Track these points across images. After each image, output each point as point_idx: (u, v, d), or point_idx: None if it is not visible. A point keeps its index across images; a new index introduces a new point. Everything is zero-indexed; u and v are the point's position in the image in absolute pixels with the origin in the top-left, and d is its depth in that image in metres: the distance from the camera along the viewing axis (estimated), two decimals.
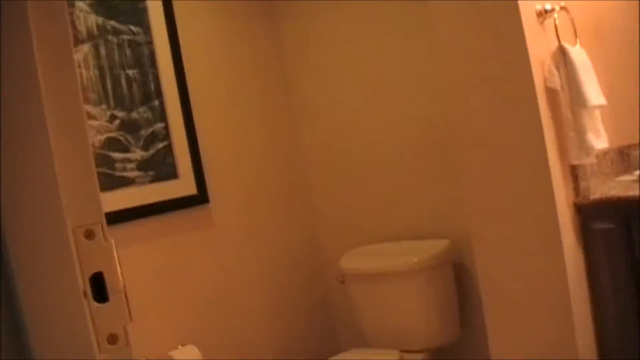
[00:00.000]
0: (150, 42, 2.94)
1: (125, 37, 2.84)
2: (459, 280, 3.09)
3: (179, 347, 2.77)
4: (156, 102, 2.93)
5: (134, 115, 2.84)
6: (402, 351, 2.97)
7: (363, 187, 3.44)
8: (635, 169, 2.65)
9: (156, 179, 2.88)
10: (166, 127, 2.96)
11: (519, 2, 2.17)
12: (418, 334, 2.98)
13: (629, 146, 2.79)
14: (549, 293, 2.24)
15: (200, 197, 3.05)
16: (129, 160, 2.79)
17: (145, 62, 2.92)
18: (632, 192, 2.25)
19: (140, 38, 2.90)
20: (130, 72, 2.85)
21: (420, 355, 2.98)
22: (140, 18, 2.91)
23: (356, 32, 3.34)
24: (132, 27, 2.87)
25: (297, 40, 3.58)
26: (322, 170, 3.60)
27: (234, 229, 3.22)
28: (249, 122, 3.41)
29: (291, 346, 3.41)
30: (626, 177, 2.64)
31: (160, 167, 2.91)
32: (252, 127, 3.42)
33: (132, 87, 2.85)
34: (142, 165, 2.84)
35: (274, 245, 3.43)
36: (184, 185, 3.00)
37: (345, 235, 3.53)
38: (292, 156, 3.62)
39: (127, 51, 2.85)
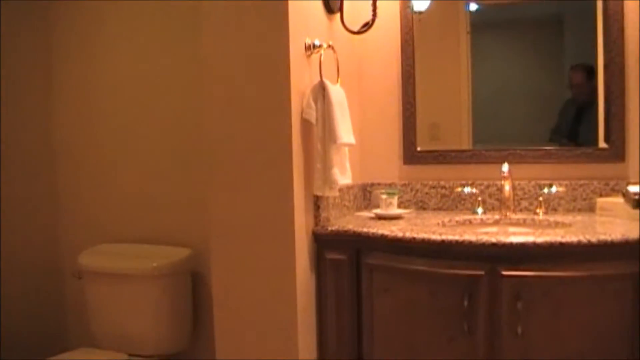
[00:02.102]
0: None
1: None
2: (195, 290, 3.11)
3: None
4: None
5: None
6: (131, 355, 2.95)
7: (113, 185, 3.38)
8: (375, 207, 2.83)
9: None
10: None
11: (291, 32, 2.25)
12: (148, 339, 2.97)
13: (372, 185, 2.99)
14: (279, 312, 2.32)
15: None
16: None
17: None
18: (367, 228, 2.40)
19: None
20: None
21: None
22: None
23: (128, 27, 3.31)
24: None
25: (68, 23, 3.47)
26: (72, 161, 3.49)
27: None
28: (1, 101, 3.23)
29: (17, 339, 3.26)
30: (365, 213, 2.81)
31: None
32: (4, 106, 3.24)
33: None
34: None
35: (11, 230, 3.27)
36: None
37: (87, 230, 3.45)
38: (42, 141, 3.48)
39: None
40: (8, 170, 3.26)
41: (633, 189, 2.15)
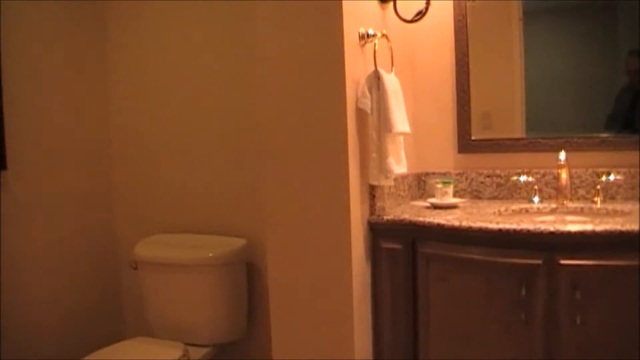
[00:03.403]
0: None
1: None
2: (250, 280, 3.14)
3: None
4: None
5: None
6: (187, 344, 2.98)
7: (168, 176, 3.42)
8: (430, 197, 2.82)
9: None
10: None
11: (345, 21, 2.25)
12: (204, 328, 3.01)
13: (426, 174, 2.98)
14: (335, 301, 2.32)
15: None
16: None
17: None
18: (422, 217, 2.39)
19: None
20: None
21: (205, 350, 3.00)
22: None
23: (182, 21, 3.33)
24: None
25: (123, 18, 3.51)
26: (128, 153, 3.54)
27: (29, 199, 3.10)
28: (60, 95, 3.30)
29: (75, 328, 3.32)
30: (420, 203, 2.80)
31: None
32: (62, 100, 3.31)
33: None
34: None
35: (69, 221, 3.33)
36: None
37: (144, 220, 3.50)
38: (99, 134, 3.54)
39: None
40: (66, 163, 3.32)
41: None
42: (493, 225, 2.16)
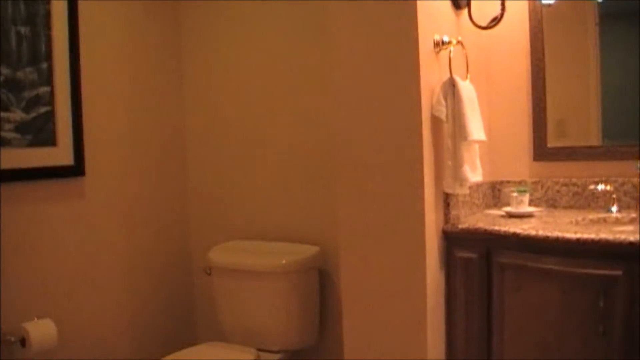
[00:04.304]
0: (46, 1, 2.85)
1: None
2: (322, 287, 3.14)
3: (35, 319, 2.68)
4: (44, 65, 2.84)
5: (19, 74, 2.74)
6: (259, 350, 3.00)
7: (241, 183, 3.45)
8: (504, 205, 2.78)
9: (33, 143, 2.80)
10: (51, 92, 2.88)
11: (419, 28, 2.24)
12: (276, 334, 3.02)
13: (501, 182, 2.94)
14: (408, 310, 2.32)
15: (76, 169, 2.99)
16: (8, 121, 2.70)
17: (39, 21, 2.82)
18: (497, 226, 2.36)
19: None
20: (21, 28, 2.76)
21: (276, 356, 3.02)
22: None
23: (257, 28, 3.35)
24: None
25: (197, 24, 3.56)
26: (202, 159, 3.59)
27: (106, 205, 3.17)
28: (136, 101, 3.36)
29: (148, 331, 3.38)
30: (494, 212, 2.77)
31: (40, 132, 2.82)
32: (139, 106, 3.37)
33: (21, 45, 2.75)
34: (21, 128, 2.75)
35: (144, 227, 3.39)
36: (61, 154, 2.92)
37: (218, 226, 3.54)
38: (175, 141, 3.59)
39: (21, 6, 2.75)
40: (142, 168, 3.38)
41: None
42: (570, 235, 2.12)
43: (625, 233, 2.10)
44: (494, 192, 2.96)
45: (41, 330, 2.63)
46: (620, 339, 2.06)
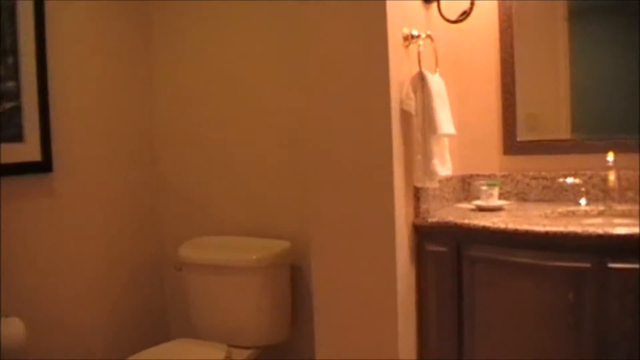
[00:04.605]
0: None
1: None
2: (294, 282, 3.14)
3: (2, 318, 2.64)
4: (10, 59, 2.80)
5: None
6: (231, 346, 2.99)
7: (212, 178, 3.43)
8: (475, 199, 2.79)
9: (0, 139, 2.76)
10: (17, 87, 2.83)
11: (389, 22, 2.24)
12: (248, 330, 3.01)
13: (471, 176, 2.95)
14: (379, 304, 2.32)
15: (45, 165, 2.95)
16: None
17: (4, 15, 2.77)
18: (467, 220, 2.37)
19: None
20: None
21: (248, 352, 3.01)
22: None
23: (226, 24, 3.34)
24: None
25: (167, 17, 3.54)
26: (173, 155, 3.57)
27: (76, 202, 3.13)
28: (106, 95, 3.32)
29: (120, 328, 3.35)
30: (464, 205, 2.78)
31: (6, 128, 2.78)
32: (108, 101, 3.34)
33: None
34: None
35: (115, 223, 3.36)
36: (29, 150, 2.88)
37: (189, 222, 3.52)
38: (145, 136, 3.57)
39: None
40: (111, 164, 3.35)
41: None
42: (540, 228, 2.13)
43: (594, 226, 2.11)
44: (464, 186, 2.97)
45: (9, 330, 2.59)
46: (590, 331, 2.07)
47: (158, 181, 3.62)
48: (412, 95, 2.34)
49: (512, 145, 2.88)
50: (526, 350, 2.21)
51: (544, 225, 2.14)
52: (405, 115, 2.36)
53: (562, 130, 2.84)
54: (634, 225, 2.10)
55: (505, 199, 2.83)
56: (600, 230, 2.03)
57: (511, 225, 2.19)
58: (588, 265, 2.05)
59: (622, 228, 2.05)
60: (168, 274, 3.59)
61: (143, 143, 3.55)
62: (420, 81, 2.36)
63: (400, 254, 2.31)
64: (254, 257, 2.96)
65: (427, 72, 2.37)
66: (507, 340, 2.27)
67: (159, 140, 3.61)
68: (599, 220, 2.46)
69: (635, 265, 2.00)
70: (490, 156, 2.93)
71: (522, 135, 2.87)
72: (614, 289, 2.02)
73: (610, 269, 2.02)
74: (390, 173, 2.25)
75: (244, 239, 3.23)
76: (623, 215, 2.47)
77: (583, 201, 2.62)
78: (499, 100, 2.90)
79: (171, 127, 3.56)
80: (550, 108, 2.89)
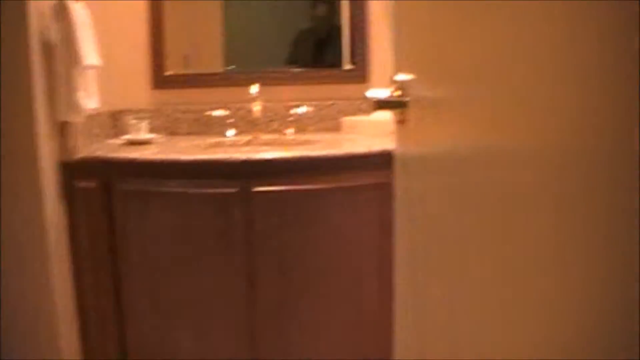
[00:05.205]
0: None
1: None
2: None
3: None
4: None
5: None
6: None
7: None
8: (125, 134, 2.74)
9: None
10: None
11: None
12: None
13: (121, 112, 2.87)
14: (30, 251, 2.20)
15: None
16: None
17: None
18: (116, 154, 2.34)
19: None
20: None
21: None
22: None
23: None
24: None
25: None
26: None
27: None
28: None
29: None
30: (115, 141, 2.73)
31: None
32: None
33: None
34: None
35: None
36: None
37: None
38: None
39: None
40: None
41: (370, 93, 2.28)
42: (187, 157, 2.17)
43: (239, 153, 2.20)
44: (115, 122, 2.88)
45: None
46: (240, 252, 2.18)
47: None
48: (53, 25, 2.22)
49: (160, 79, 2.88)
50: (183, 277, 2.26)
51: (193, 155, 2.19)
52: (47, 47, 2.23)
53: (216, 66, 2.94)
54: (277, 150, 2.23)
55: (156, 133, 2.81)
56: (244, 156, 2.13)
57: (159, 156, 2.21)
58: (234, 190, 2.14)
59: (265, 153, 2.17)
60: None
61: None
62: (62, 10, 2.24)
63: (47, 192, 2.20)
64: None
65: (69, 2, 2.26)
66: (163, 269, 2.30)
67: None
68: (246, 149, 2.57)
69: (277, 188, 2.12)
70: (139, 91, 2.90)
71: (173, 69, 2.88)
72: (259, 211, 2.13)
73: (256, 192, 2.13)
74: (31, 107, 2.11)
75: None
76: (268, 144, 2.60)
77: (231, 132, 2.71)
78: (148, 34, 2.87)
79: None
80: (206, 45, 2.97)
